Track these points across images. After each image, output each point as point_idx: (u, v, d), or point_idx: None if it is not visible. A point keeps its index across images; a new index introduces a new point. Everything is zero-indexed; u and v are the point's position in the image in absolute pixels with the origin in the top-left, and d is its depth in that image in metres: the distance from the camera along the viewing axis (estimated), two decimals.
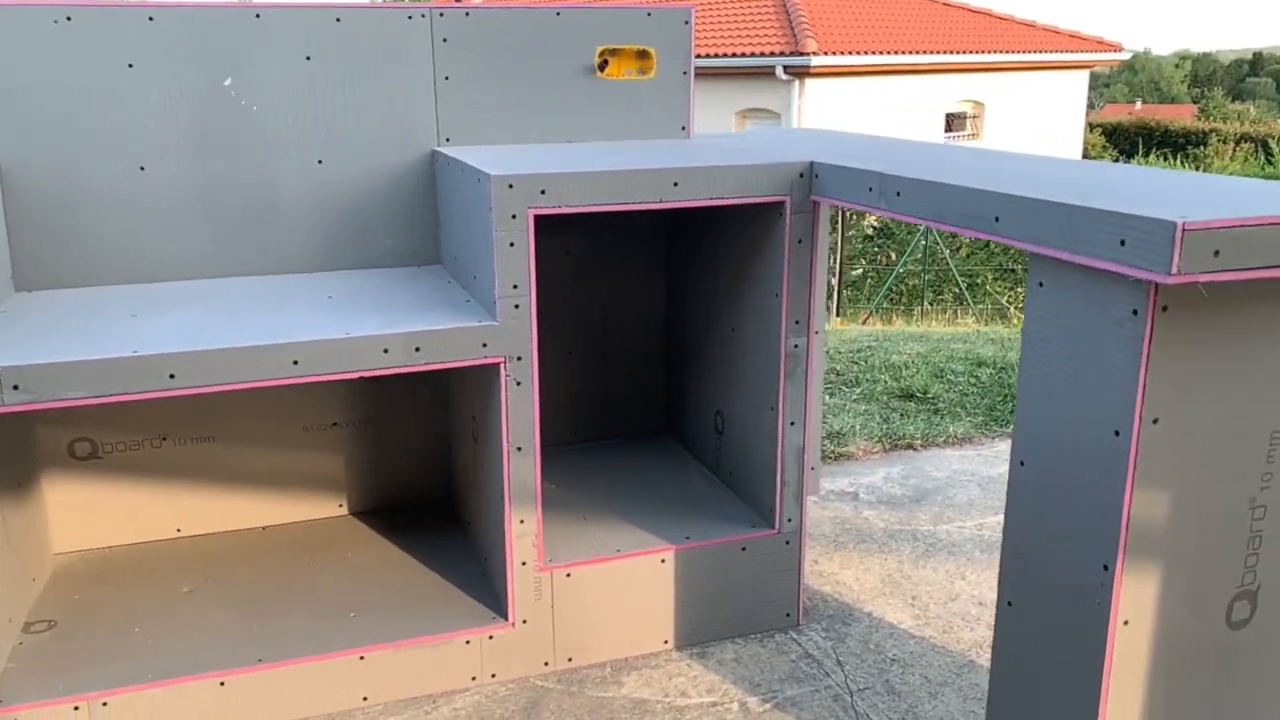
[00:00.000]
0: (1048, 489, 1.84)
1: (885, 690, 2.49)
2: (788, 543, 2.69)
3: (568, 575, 2.52)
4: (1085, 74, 22.38)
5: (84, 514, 2.85)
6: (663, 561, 2.60)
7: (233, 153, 2.73)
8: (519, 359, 2.35)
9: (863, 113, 18.34)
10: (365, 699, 2.43)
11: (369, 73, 2.78)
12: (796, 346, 2.56)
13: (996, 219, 1.84)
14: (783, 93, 17.87)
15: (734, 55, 18.03)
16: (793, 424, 2.61)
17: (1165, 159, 18.39)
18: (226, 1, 2.75)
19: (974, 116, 20.98)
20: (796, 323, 2.55)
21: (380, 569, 2.76)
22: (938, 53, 19.40)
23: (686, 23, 3.02)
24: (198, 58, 2.66)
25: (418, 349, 2.27)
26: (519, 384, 2.37)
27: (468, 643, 2.48)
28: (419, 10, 2.80)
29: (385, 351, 2.25)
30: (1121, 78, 74.92)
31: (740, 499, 2.88)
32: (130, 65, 2.61)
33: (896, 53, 18.73)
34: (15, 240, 2.62)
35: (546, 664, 2.56)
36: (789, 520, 2.68)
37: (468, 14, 2.84)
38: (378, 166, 2.84)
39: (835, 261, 13.08)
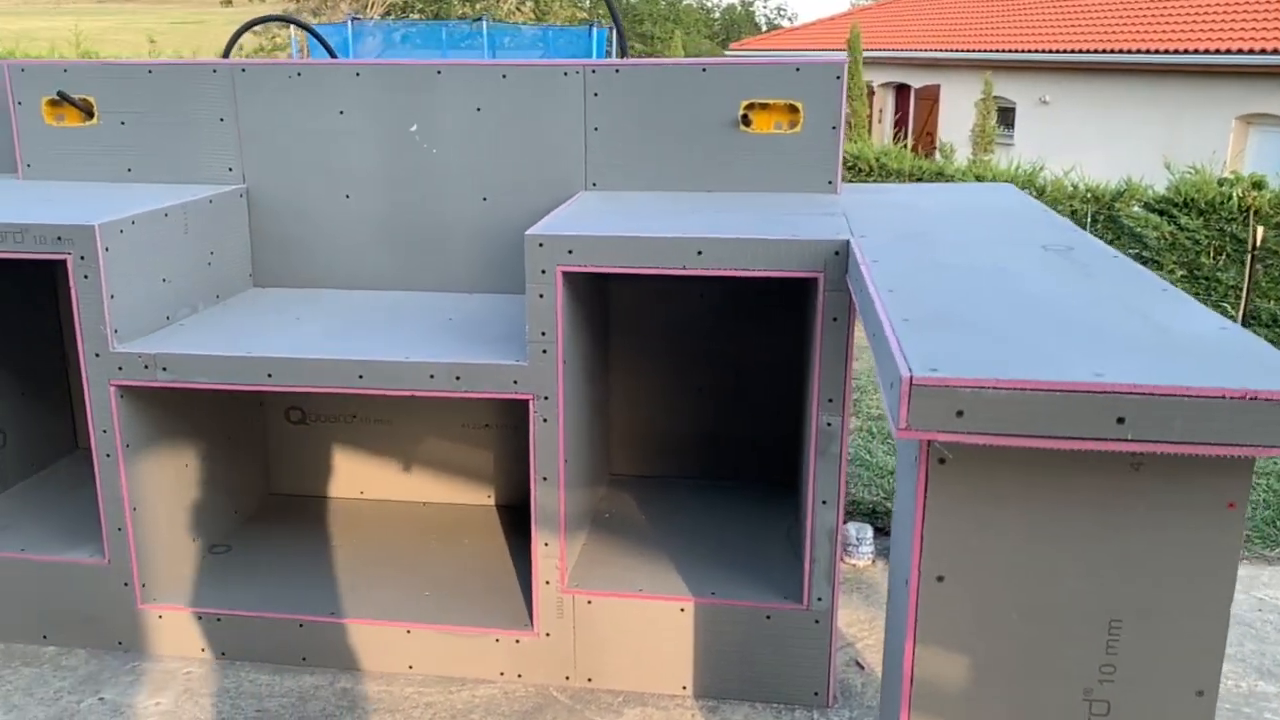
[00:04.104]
0: (891, 629, 1.73)
1: None
2: (817, 621, 2.64)
3: (589, 602, 2.72)
4: None
5: (294, 466, 3.55)
6: (681, 610, 2.69)
7: (415, 187, 3.23)
8: (545, 398, 2.58)
9: None
10: (410, 667, 2.83)
11: (529, 122, 3.13)
12: (830, 424, 2.50)
13: (874, 335, 1.75)
14: None
15: (1232, 51, 15.75)
16: (824, 503, 2.55)
17: None
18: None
19: None
20: (830, 400, 2.49)
21: (477, 559, 3.14)
22: None
23: (838, 78, 2.99)
24: (391, 107, 3.18)
25: (458, 378, 2.59)
26: (545, 420, 2.60)
27: (497, 641, 2.78)
28: (574, 67, 3.09)
29: (431, 377, 2.60)
30: None
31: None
32: (341, 112, 3.20)
33: None
34: (256, 246, 3.33)
35: (568, 678, 2.78)
36: (819, 599, 2.63)
37: (618, 71, 3.07)
38: (532, 205, 3.18)
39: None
